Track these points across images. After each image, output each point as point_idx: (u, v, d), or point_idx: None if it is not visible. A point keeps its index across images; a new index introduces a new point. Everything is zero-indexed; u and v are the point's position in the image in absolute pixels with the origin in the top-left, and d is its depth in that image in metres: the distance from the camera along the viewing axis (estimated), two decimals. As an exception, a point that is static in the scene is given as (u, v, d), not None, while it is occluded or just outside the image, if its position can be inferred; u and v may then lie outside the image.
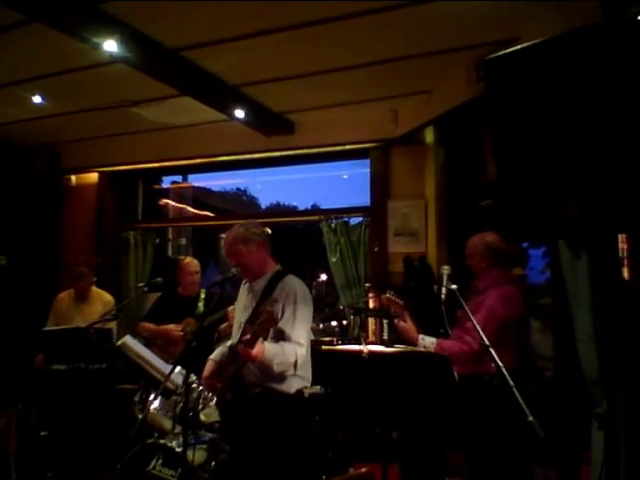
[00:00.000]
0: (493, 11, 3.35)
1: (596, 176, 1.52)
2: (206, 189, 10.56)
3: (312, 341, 3.20)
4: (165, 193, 7.99)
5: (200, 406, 3.25)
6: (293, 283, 3.03)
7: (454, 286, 2.84)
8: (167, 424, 3.30)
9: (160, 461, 3.01)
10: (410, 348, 3.05)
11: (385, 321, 4.83)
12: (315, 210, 7.68)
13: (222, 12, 3.46)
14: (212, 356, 3.20)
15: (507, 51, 1.68)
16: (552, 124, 1.60)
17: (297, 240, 9.91)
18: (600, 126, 1.51)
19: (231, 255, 3.08)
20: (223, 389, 3.01)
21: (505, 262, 3.29)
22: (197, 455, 2.95)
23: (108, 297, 5.11)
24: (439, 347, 3.06)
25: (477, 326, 2.56)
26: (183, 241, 8.13)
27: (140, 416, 3.26)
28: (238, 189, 13.89)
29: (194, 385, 3.23)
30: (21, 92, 4.78)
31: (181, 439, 2.91)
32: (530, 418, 2.14)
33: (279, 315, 2.90)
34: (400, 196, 5.37)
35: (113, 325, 4.55)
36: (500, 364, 2.34)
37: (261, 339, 2.75)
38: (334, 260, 5.56)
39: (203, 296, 4.56)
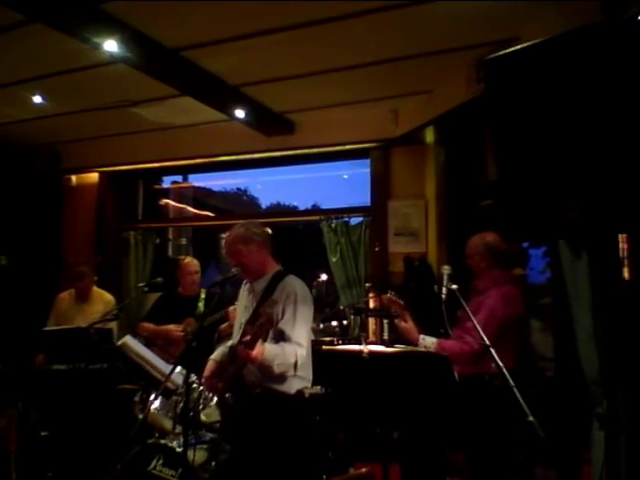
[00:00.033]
0: (493, 11, 3.35)
1: (596, 176, 1.52)
2: (206, 189, 10.57)
3: (312, 341, 3.20)
4: (165, 193, 7.99)
5: (200, 406, 3.25)
6: (293, 283, 3.03)
7: (454, 286, 2.84)
8: (167, 424, 3.30)
9: (160, 461, 3.00)
10: (410, 348, 3.04)
11: (385, 321, 4.83)
12: (315, 210, 7.68)
13: (222, 12, 3.46)
14: (213, 356, 3.20)
15: (507, 51, 1.68)
16: (552, 124, 1.60)
17: (297, 240, 9.91)
18: (600, 126, 1.51)
19: (231, 255, 3.08)
20: (223, 389, 3.02)
21: (505, 262, 3.29)
22: (198, 455, 2.95)
23: (109, 297, 5.11)
24: (440, 347, 3.05)
25: (477, 326, 2.56)
26: (183, 241, 8.13)
27: (140, 416, 3.26)
28: (238, 189, 13.91)
29: (194, 385, 3.23)
30: (21, 92, 4.78)
31: (181, 439, 2.91)
32: (530, 418, 2.13)
33: (279, 316, 2.91)
34: (400, 196, 5.37)
35: (114, 325, 4.55)
36: (500, 364, 2.34)
37: (261, 340, 2.75)
38: (334, 260, 5.56)
39: (203, 296, 4.56)
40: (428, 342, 3.08)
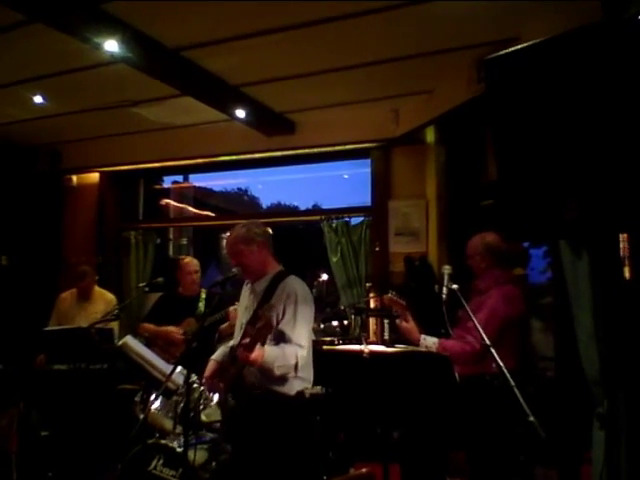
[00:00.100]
0: (493, 11, 3.35)
1: (596, 176, 1.52)
2: (207, 189, 10.58)
3: (313, 341, 3.20)
4: (166, 193, 8.00)
5: (201, 406, 3.25)
6: (294, 284, 3.03)
7: (455, 286, 2.84)
8: (168, 424, 3.30)
9: (161, 461, 3.01)
10: (411, 348, 3.04)
11: (386, 321, 4.83)
12: (316, 210, 7.69)
13: (222, 12, 3.46)
14: (214, 356, 3.20)
15: (507, 51, 1.68)
16: (552, 124, 1.60)
17: (298, 240, 9.90)
18: (600, 126, 1.51)
19: (232, 255, 3.07)
20: (224, 389, 3.02)
21: (506, 262, 3.29)
22: (198, 455, 2.94)
23: (110, 296, 5.12)
24: (441, 347, 3.05)
25: (478, 326, 2.56)
26: (184, 241, 8.13)
27: (141, 416, 3.26)
28: (239, 189, 13.92)
29: (195, 385, 3.23)
30: (22, 92, 4.78)
31: (182, 439, 2.92)
32: (531, 418, 2.13)
33: (279, 316, 2.90)
34: (401, 196, 5.37)
35: (115, 325, 4.55)
36: (501, 364, 2.34)
37: (259, 344, 2.74)
38: (335, 260, 5.56)
39: (204, 296, 4.55)
40: (429, 342, 3.08)
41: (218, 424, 3.23)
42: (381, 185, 5.44)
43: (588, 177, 1.54)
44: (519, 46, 1.66)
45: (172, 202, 8.06)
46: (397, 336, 3.49)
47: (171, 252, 7.50)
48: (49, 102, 5.00)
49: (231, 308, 3.97)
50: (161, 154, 6.10)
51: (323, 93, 4.81)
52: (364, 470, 2.78)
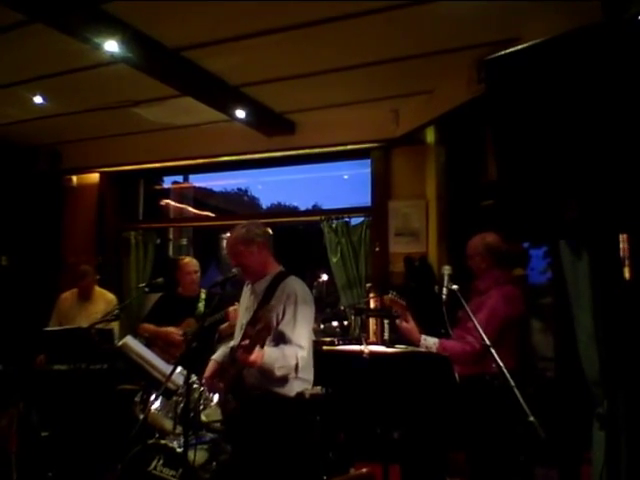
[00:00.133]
0: (493, 11, 3.35)
1: (596, 176, 1.52)
2: (207, 189, 10.57)
3: (313, 342, 3.19)
4: (166, 193, 7.99)
5: (201, 406, 3.25)
6: (294, 285, 3.02)
7: (455, 286, 2.84)
8: (168, 424, 3.30)
9: (161, 461, 3.01)
10: (411, 348, 3.04)
11: (386, 321, 4.83)
12: (316, 210, 7.68)
13: (222, 12, 3.46)
14: (214, 356, 3.20)
15: (508, 51, 1.68)
16: (552, 124, 1.60)
17: (298, 240, 9.90)
18: (600, 126, 1.51)
19: (232, 256, 3.07)
20: (224, 390, 3.02)
21: (506, 262, 3.29)
22: (198, 455, 2.95)
23: (111, 296, 5.12)
24: (441, 347, 3.05)
25: (478, 326, 2.56)
26: (184, 241, 8.12)
27: (141, 416, 3.26)
28: (239, 189, 13.91)
29: (195, 385, 3.24)
30: (22, 92, 4.78)
31: (182, 439, 2.92)
32: (531, 418, 2.13)
33: (279, 317, 2.90)
34: (401, 196, 5.37)
35: (115, 325, 4.55)
36: (501, 364, 2.34)
37: (259, 346, 2.73)
38: (335, 260, 5.56)
39: (204, 296, 4.55)
40: (430, 342, 3.08)
41: (218, 424, 3.23)
42: (381, 185, 5.44)
43: (588, 177, 1.54)
44: (519, 46, 1.66)
45: (172, 202, 8.06)
46: (397, 336, 3.49)
47: (171, 252, 7.49)
48: (49, 102, 5.00)
49: (230, 308, 3.97)
50: (161, 154, 6.10)
51: (323, 93, 4.81)
52: (364, 470, 2.78)
